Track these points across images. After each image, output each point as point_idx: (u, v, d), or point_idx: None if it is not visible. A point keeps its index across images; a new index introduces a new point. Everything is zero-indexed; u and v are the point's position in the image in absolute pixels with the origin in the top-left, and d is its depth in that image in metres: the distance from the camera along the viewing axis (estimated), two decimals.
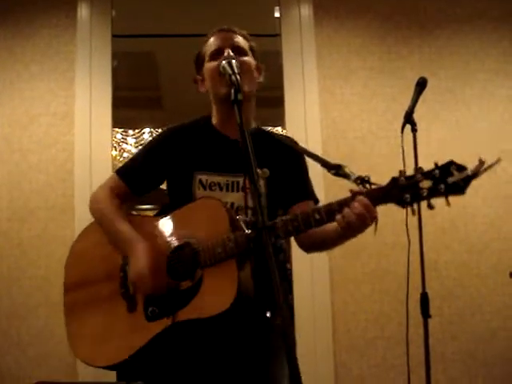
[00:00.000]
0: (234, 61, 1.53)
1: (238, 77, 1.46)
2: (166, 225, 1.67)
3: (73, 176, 3.13)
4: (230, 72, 1.48)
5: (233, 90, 1.41)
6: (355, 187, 1.43)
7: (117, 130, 5.44)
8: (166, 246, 1.61)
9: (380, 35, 3.40)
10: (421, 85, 2.41)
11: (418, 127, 2.33)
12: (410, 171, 1.38)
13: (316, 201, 1.79)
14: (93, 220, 1.81)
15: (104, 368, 1.65)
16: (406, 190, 1.37)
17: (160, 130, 1.96)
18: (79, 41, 3.27)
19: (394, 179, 1.39)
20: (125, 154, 5.47)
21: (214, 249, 1.51)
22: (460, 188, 1.33)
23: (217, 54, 1.72)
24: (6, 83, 3.23)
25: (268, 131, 1.84)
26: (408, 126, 2.34)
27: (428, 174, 1.35)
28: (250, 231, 1.44)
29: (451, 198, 1.33)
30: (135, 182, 1.80)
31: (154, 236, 1.65)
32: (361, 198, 1.41)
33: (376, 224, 1.44)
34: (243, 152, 1.31)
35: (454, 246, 3.20)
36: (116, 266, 1.67)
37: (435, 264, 3.12)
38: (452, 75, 3.37)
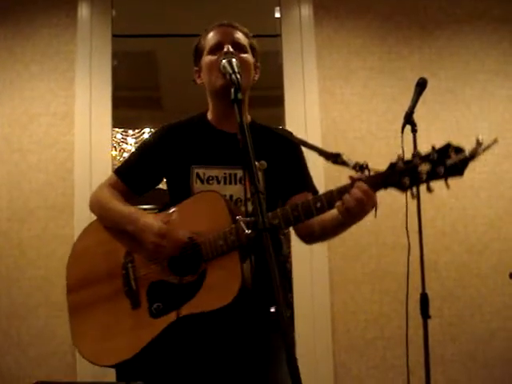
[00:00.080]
0: (234, 59, 1.53)
1: (239, 76, 1.46)
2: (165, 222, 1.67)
3: (73, 176, 3.13)
4: (231, 71, 1.48)
5: (233, 90, 1.41)
6: (354, 174, 1.44)
7: (117, 129, 5.45)
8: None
9: (380, 35, 3.40)
10: (421, 85, 2.40)
11: (418, 128, 2.33)
12: (408, 156, 1.39)
13: (315, 192, 1.79)
14: (92, 220, 1.81)
15: (110, 367, 1.65)
16: (404, 175, 1.38)
17: None
18: (79, 40, 3.27)
19: (392, 164, 1.40)
20: (125, 154, 5.46)
21: (216, 242, 1.52)
22: (458, 170, 1.34)
23: (216, 48, 1.72)
24: (6, 83, 3.23)
25: (264, 124, 1.84)
26: (408, 127, 2.33)
27: (426, 158, 1.36)
28: (250, 231, 1.45)
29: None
30: (134, 180, 1.80)
31: None
32: (360, 184, 1.42)
33: (376, 210, 1.44)
34: (244, 152, 1.31)
35: (454, 247, 3.19)
36: (118, 264, 1.67)
37: (435, 265, 3.12)
38: (452, 75, 3.37)
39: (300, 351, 2.81)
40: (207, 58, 1.74)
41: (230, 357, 1.63)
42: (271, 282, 1.12)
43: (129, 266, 1.65)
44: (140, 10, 3.82)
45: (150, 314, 1.58)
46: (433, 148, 1.35)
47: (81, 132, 3.18)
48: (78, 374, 2.91)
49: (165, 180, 1.84)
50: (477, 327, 3.13)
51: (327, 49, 3.35)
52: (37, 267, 3.05)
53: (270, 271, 1.13)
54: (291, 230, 1.97)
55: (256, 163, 1.28)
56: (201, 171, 1.71)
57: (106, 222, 1.75)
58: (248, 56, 1.75)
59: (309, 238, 1.76)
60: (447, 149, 1.34)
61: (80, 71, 3.24)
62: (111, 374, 2.80)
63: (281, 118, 3.35)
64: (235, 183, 1.69)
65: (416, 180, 1.36)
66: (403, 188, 1.39)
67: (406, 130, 2.33)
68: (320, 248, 3.07)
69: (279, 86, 3.34)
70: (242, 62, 1.62)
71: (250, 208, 1.32)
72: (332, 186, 1.48)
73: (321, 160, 1.58)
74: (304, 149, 1.76)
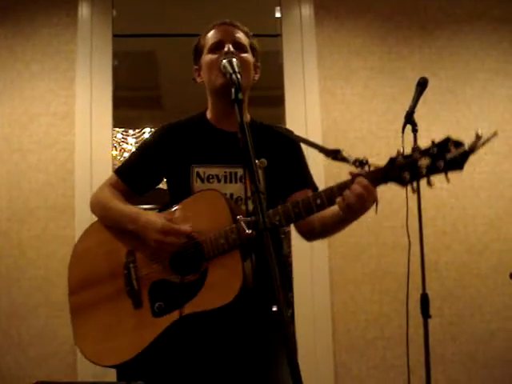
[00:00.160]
0: (234, 59, 1.53)
1: (239, 76, 1.46)
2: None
3: (73, 176, 3.13)
4: (231, 71, 1.48)
5: (233, 90, 1.41)
6: (354, 170, 1.44)
7: (117, 129, 5.45)
8: None
9: (380, 35, 3.40)
10: (421, 85, 2.40)
11: (419, 127, 2.33)
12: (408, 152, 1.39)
13: (315, 189, 1.79)
14: (93, 221, 1.81)
15: (113, 367, 1.65)
16: (404, 169, 1.38)
17: None
18: (80, 40, 3.27)
19: (392, 159, 1.40)
20: (125, 154, 5.46)
21: (217, 240, 1.52)
22: (458, 164, 1.34)
23: (216, 47, 1.73)
24: (6, 82, 3.23)
25: (263, 122, 1.84)
26: (409, 127, 2.33)
27: (426, 152, 1.36)
28: (250, 231, 1.45)
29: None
30: (134, 180, 1.81)
31: None
32: (360, 179, 1.42)
33: (377, 205, 1.44)
34: (245, 152, 1.31)
35: (455, 247, 3.19)
36: (119, 264, 1.67)
37: (435, 265, 3.12)
38: (452, 75, 3.37)
39: (300, 351, 2.79)
40: (207, 57, 1.74)
41: (231, 355, 1.63)
42: (272, 281, 1.13)
43: (130, 265, 1.65)
44: (140, 10, 3.82)
45: (152, 313, 1.58)
46: (432, 142, 1.35)
47: (81, 132, 3.18)
48: (79, 373, 2.91)
49: (165, 180, 1.84)
50: (477, 327, 3.13)
51: (328, 49, 3.35)
52: (37, 267, 3.04)
53: (270, 270, 1.13)
54: (292, 229, 1.97)
55: (256, 161, 1.28)
56: (201, 170, 1.71)
57: (107, 221, 1.75)
58: (248, 56, 1.75)
59: (309, 234, 1.76)
60: (447, 143, 1.34)
61: (80, 71, 3.24)
62: (112, 374, 2.80)
63: (281, 118, 3.35)
64: (235, 182, 1.69)
65: (416, 174, 1.36)
66: (403, 182, 1.39)
67: (406, 129, 2.33)
68: (320, 248, 3.08)
69: (280, 86, 3.34)
70: (242, 62, 1.62)
71: (250, 207, 1.32)
72: (332, 183, 1.48)
73: (321, 157, 1.58)
74: (304, 146, 1.76)
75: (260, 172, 1.64)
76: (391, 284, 3.09)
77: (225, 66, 1.52)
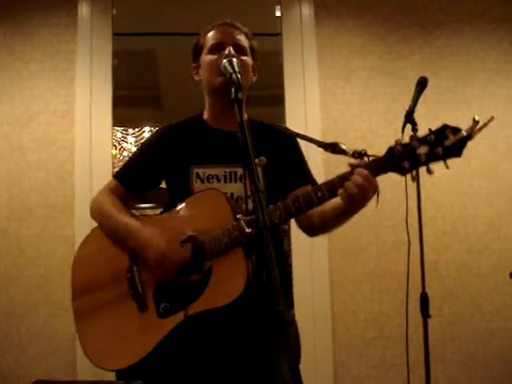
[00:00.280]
0: (234, 59, 1.53)
1: (239, 75, 1.46)
2: (167, 222, 1.67)
3: (73, 174, 3.13)
4: (231, 71, 1.48)
5: (233, 89, 1.41)
6: (354, 162, 1.45)
7: (117, 128, 5.44)
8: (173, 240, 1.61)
9: (381, 35, 3.40)
10: (421, 84, 2.40)
11: (419, 127, 2.32)
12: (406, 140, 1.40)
13: (315, 184, 1.78)
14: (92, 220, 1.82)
15: (119, 371, 1.65)
16: (403, 158, 1.38)
17: None
18: (80, 39, 3.26)
19: (390, 148, 1.41)
20: (125, 153, 5.46)
21: (220, 239, 1.52)
22: (456, 150, 1.34)
23: (216, 48, 1.73)
24: (5, 81, 3.22)
25: (260, 120, 1.84)
26: (408, 126, 2.33)
27: (424, 140, 1.36)
28: (250, 230, 1.45)
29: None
30: (133, 183, 1.81)
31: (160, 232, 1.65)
32: (360, 170, 1.42)
33: (378, 195, 1.44)
34: (244, 151, 1.31)
35: (454, 246, 3.19)
36: (122, 268, 1.67)
37: (435, 264, 3.12)
38: (453, 75, 3.37)
39: None
40: (207, 58, 1.74)
41: (235, 354, 1.63)
42: (280, 280, 1.13)
43: (134, 268, 1.66)
44: (140, 9, 3.82)
45: (157, 314, 1.59)
46: (430, 130, 1.36)
47: (81, 131, 3.17)
48: (79, 372, 2.91)
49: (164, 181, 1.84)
50: (477, 327, 3.13)
51: (328, 48, 3.35)
52: (36, 266, 3.04)
53: (272, 269, 1.13)
54: (292, 228, 1.97)
55: (256, 160, 1.29)
56: (200, 171, 1.71)
57: (107, 231, 1.75)
58: (247, 59, 1.75)
59: (310, 229, 1.76)
60: (444, 130, 1.35)
61: (80, 70, 3.24)
62: (111, 373, 2.79)
63: (281, 117, 3.35)
64: (235, 181, 1.69)
65: (415, 162, 1.36)
66: (403, 171, 1.39)
67: (406, 129, 2.33)
68: (320, 247, 3.08)
69: (280, 86, 3.34)
70: (242, 65, 1.62)
71: (250, 206, 1.32)
72: (332, 175, 1.48)
73: (320, 153, 1.59)
74: (303, 142, 1.76)
75: (259, 170, 1.64)
76: (391, 283, 3.09)
77: (225, 66, 1.52)
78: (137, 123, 5.60)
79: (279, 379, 1.57)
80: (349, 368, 3.06)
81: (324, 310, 3.07)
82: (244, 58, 1.72)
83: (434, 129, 1.35)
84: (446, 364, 3.08)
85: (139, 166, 1.81)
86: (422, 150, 1.35)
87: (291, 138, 1.80)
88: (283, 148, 1.78)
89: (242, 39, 1.76)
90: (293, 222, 1.77)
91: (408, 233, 2.22)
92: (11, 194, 3.11)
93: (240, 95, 1.40)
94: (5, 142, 3.16)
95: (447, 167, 1.34)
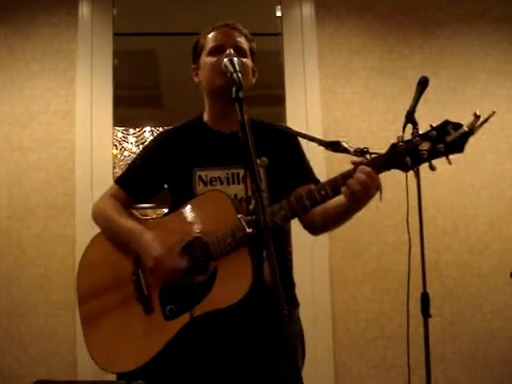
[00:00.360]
0: (235, 58, 1.53)
1: (240, 75, 1.46)
2: (171, 224, 1.67)
3: (73, 174, 3.13)
4: (232, 70, 1.48)
5: (234, 88, 1.41)
6: (356, 159, 1.45)
7: (118, 128, 5.44)
8: (176, 244, 1.61)
9: (381, 35, 3.40)
10: (422, 84, 2.39)
11: (419, 127, 2.31)
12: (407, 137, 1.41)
13: (317, 183, 1.79)
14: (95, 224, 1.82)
15: (126, 374, 1.65)
16: (406, 154, 1.38)
17: (161, 129, 1.97)
18: (80, 39, 3.26)
19: (393, 145, 1.41)
20: (125, 153, 5.46)
21: (224, 239, 1.52)
22: (458, 146, 1.34)
23: (217, 50, 1.73)
24: (6, 81, 3.22)
25: (260, 120, 1.83)
26: (409, 126, 2.33)
27: (426, 136, 1.37)
28: (251, 230, 1.45)
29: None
30: (136, 189, 1.81)
31: (162, 236, 1.65)
32: (363, 167, 1.42)
33: (381, 193, 1.44)
34: (245, 151, 1.31)
35: (455, 246, 3.19)
36: (128, 271, 1.68)
37: (436, 264, 3.12)
38: (453, 75, 3.37)
39: None
40: (207, 59, 1.74)
41: (239, 355, 1.62)
42: (282, 280, 1.13)
43: (139, 271, 1.66)
44: (141, 9, 3.81)
45: (163, 316, 1.59)
46: (431, 126, 1.35)
47: (81, 131, 3.17)
48: (79, 372, 2.91)
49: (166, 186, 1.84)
50: (477, 327, 3.13)
51: (328, 48, 3.35)
52: (37, 266, 3.04)
53: (273, 269, 1.13)
54: (292, 228, 1.96)
55: (257, 160, 1.28)
56: (203, 173, 1.71)
57: (110, 235, 1.76)
58: (247, 61, 1.75)
59: (312, 227, 1.77)
60: (445, 126, 1.35)
61: (81, 70, 3.24)
62: (111, 373, 2.80)
63: (282, 117, 3.35)
64: (238, 183, 1.69)
65: (418, 159, 1.37)
66: (406, 167, 1.39)
67: (407, 129, 2.32)
68: (321, 246, 3.08)
69: (280, 85, 3.34)
70: (242, 66, 1.62)
71: (253, 206, 1.32)
72: (333, 173, 1.48)
73: (322, 152, 1.59)
74: (304, 141, 1.76)
75: (261, 170, 1.64)
76: (392, 283, 3.09)
77: (226, 65, 1.52)
78: (137, 123, 5.60)
79: (280, 379, 1.57)
80: (349, 368, 3.06)
81: (324, 309, 3.07)
82: (244, 60, 1.72)
83: (435, 125, 1.35)
84: (447, 364, 3.08)
85: (141, 171, 1.82)
86: (424, 146, 1.36)
87: (292, 138, 1.80)
88: (284, 147, 1.78)
89: (243, 41, 1.76)
90: (294, 220, 1.77)
91: (409, 233, 2.21)
92: (12, 194, 3.11)
93: (241, 94, 1.40)
94: (5, 141, 3.16)
95: (450, 163, 1.35)
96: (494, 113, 1.30)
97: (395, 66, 3.36)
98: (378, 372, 3.06)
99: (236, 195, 1.68)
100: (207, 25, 1.82)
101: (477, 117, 1.31)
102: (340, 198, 1.48)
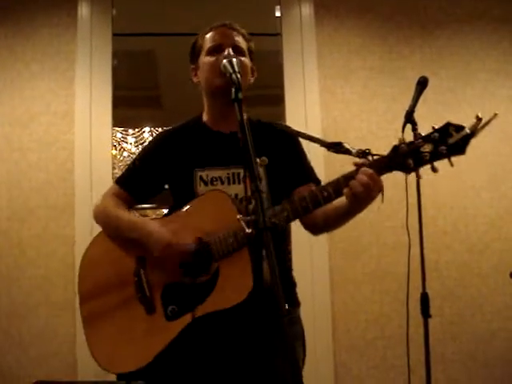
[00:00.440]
0: (234, 59, 1.53)
1: (239, 75, 1.46)
2: (172, 224, 1.67)
3: (73, 175, 3.13)
4: (231, 71, 1.48)
5: (233, 89, 1.41)
6: (358, 161, 1.45)
7: (117, 129, 5.44)
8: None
9: (381, 35, 3.40)
10: (422, 84, 2.40)
11: (419, 127, 2.32)
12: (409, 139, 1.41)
13: (318, 182, 1.79)
14: (93, 221, 1.81)
15: (128, 374, 1.65)
16: (408, 156, 1.38)
17: (160, 129, 1.97)
18: (79, 40, 3.26)
19: (395, 147, 1.41)
20: (125, 153, 5.46)
21: (226, 240, 1.53)
22: (460, 148, 1.35)
23: (215, 50, 1.73)
24: (6, 82, 3.22)
25: (260, 120, 1.83)
26: (409, 126, 2.33)
27: (428, 138, 1.37)
28: (250, 230, 1.44)
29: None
30: (136, 189, 1.82)
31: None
32: (365, 169, 1.43)
33: (382, 194, 1.45)
34: (244, 151, 1.31)
35: (455, 246, 3.19)
36: (129, 271, 1.67)
37: (436, 264, 3.12)
38: (453, 75, 3.37)
39: None
40: (206, 59, 1.75)
41: (239, 356, 1.62)
42: (282, 280, 1.13)
43: (141, 272, 1.66)
44: (140, 9, 3.81)
45: (165, 317, 1.59)
46: (433, 128, 1.36)
47: (81, 131, 3.17)
48: (79, 373, 2.91)
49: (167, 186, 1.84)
50: (477, 327, 3.13)
51: (328, 48, 3.35)
52: (37, 266, 3.04)
53: (272, 269, 1.13)
54: (292, 229, 1.96)
55: (257, 160, 1.28)
56: (204, 174, 1.71)
57: (112, 231, 1.75)
58: (246, 60, 1.76)
59: (313, 228, 1.77)
60: (447, 128, 1.36)
61: (80, 70, 3.23)
62: (112, 374, 2.79)
63: (281, 117, 3.35)
64: (239, 183, 1.69)
65: (420, 160, 1.37)
66: (408, 169, 1.39)
67: (406, 129, 2.32)
68: (320, 247, 3.08)
69: (279, 85, 3.34)
70: (241, 65, 1.62)
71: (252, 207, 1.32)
72: (332, 173, 1.48)
73: (322, 153, 1.58)
74: (304, 141, 1.76)
75: (262, 170, 1.65)
76: (391, 284, 3.09)
77: (225, 66, 1.52)
78: (137, 123, 5.60)
79: (280, 379, 1.57)
80: (349, 368, 3.06)
81: (324, 310, 3.07)
82: (242, 59, 1.72)
83: (437, 127, 1.35)
84: (447, 364, 3.08)
85: (141, 171, 1.82)
86: (427, 148, 1.36)
87: (292, 137, 1.80)
88: (285, 147, 1.78)
89: (241, 41, 1.77)
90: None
91: (408, 233, 2.22)
92: (12, 195, 3.11)
93: (240, 95, 1.40)
94: (5, 142, 3.16)
95: (452, 165, 1.35)
96: (495, 115, 1.31)
97: (395, 66, 3.36)
98: (378, 372, 3.06)
99: (237, 195, 1.68)
100: (206, 25, 1.82)
101: (479, 119, 1.31)
102: (341, 199, 1.48)
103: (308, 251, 3.08)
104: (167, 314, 1.59)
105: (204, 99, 1.82)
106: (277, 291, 1.13)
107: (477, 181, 3.24)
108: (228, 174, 1.70)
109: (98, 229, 1.82)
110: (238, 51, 1.72)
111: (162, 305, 1.60)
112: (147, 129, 5.60)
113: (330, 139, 3.12)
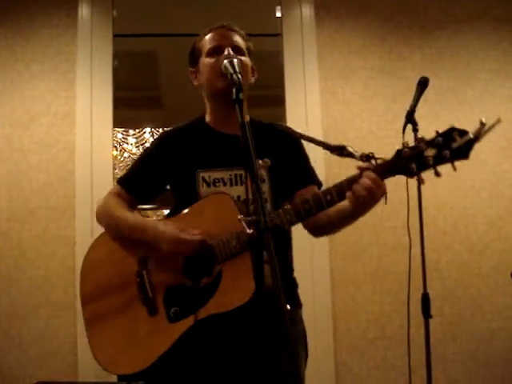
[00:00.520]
0: (235, 60, 1.53)
1: (240, 76, 1.46)
2: (179, 224, 1.66)
3: (73, 176, 3.12)
4: (232, 71, 1.48)
5: (234, 90, 1.41)
6: (361, 164, 1.45)
7: (117, 129, 5.44)
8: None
9: (381, 35, 3.40)
10: (422, 84, 2.40)
11: (419, 127, 2.32)
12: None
13: (320, 184, 1.79)
14: (94, 221, 1.81)
15: (130, 375, 1.64)
16: (411, 160, 1.38)
17: (161, 130, 1.97)
18: (80, 41, 3.26)
19: (398, 151, 1.41)
20: (125, 154, 5.46)
21: (229, 242, 1.53)
22: (463, 152, 1.35)
23: (215, 51, 1.73)
24: (6, 83, 3.22)
25: (263, 121, 1.83)
26: (409, 126, 2.33)
27: (431, 142, 1.37)
28: (251, 231, 1.45)
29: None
30: (138, 189, 1.81)
31: None
32: (368, 172, 1.43)
33: (386, 198, 1.45)
34: (245, 153, 1.31)
35: (455, 247, 3.19)
36: (131, 273, 1.67)
37: (436, 264, 3.12)
38: (453, 75, 3.37)
39: None
40: (206, 61, 1.74)
41: (241, 357, 1.62)
42: (284, 282, 1.13)
43: (143, 273, 1.65)
44: (140, 10, 3.82)
45: (167, 319, 1.58)
46: (437, 132, 1.36)
47: (82, 132, 3.17)
48: (80, 373, 2.91)
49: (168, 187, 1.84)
50: (478, 327, 3.13)
51: (328, 48, 3.35)
52: (37, 267, 3.04)
53: (274, 270, 1.13)
54: (293, 228, 1.96)
55: (260, 161, 1.29)
56: (206, 175, 1.71)
57: (114, 231, 1.74)
58: (246, 59, 1.76)
59: (316, 230, 1.77)
60: (451, 132, 1.36)
61: (81, 71, 3.23)
62: (113, 375, 2.80)
63: (282, 118, 3.35)
64: (241, 184, 1.69)
65: (423, 165, 1.37)
66: (411, 173, 1.39)
67: (407, 129, 2.33)
68: (321, 248, 3.08)
69: (280, 86, 3.34)
70: (242, 65, 1.63)
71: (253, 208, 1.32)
72: (333, 183, 1.48)
73: (322, 157, 1.59)
74: (305, 143, 1.76)
75: (264, 172, 1.65)
76: (392, 284, 3.09)
77: (226, 67, 1.52)
78: (137, 124, 5.60)
79: (282, 380, 1.57)
80: (350, 368, 3.06)
81: (325, 310, 3.07)
82: (243, 58, 1.72)
83: (441, 131, 1.35)
84: (447, 364, 3.08)
85: (143, 171, 1.81)
86: (430, 152, 1.36)
87: (295, 139, 1.80)
88: (287, 149, 1.78)
89: (239, 41, 1.77)
90: None
91: (409, 233, 2.22)
92: (12, 196, 3.11)
93: (241, 96, 1.40)
94: (6, 143, 3.16)
95: (455, 169, 1.35)
96: (499, 120, 1.31)
97: (395, 67, 3.36)
98: (378, 372, 3.06)
99: (239, 196, 1.68)
100: (207, 26, 1.83)
101: (482, 124, 1.31)
102: (344, 202, 1.48)
103: (309, 251, 3.08)
104: (170, 315, 1.58)
105: (206, 101, 1.82)
106: (278, 292, 1.13)
107: (477, 181, 3.24)
108: (230, 175, 1.70)
109: (98, 230, 1.82)
110: (238, 51, 1.72)
111: (165, 306, 1.60)
112: (148, 129, 5.60)
113: (331, 139, 3.12)
